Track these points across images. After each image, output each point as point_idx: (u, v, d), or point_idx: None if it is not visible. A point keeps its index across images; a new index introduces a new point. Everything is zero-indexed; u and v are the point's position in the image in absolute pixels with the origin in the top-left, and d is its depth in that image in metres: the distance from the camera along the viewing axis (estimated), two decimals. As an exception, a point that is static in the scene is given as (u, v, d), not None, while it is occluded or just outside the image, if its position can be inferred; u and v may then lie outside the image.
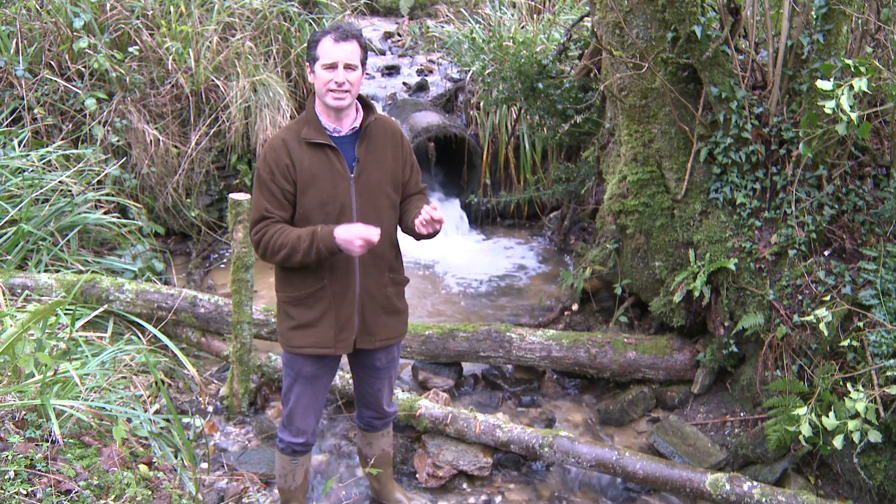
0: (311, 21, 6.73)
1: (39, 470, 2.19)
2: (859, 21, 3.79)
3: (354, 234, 2.52)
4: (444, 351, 4.23)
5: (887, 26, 3.85)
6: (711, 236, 3.98)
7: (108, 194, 5.17)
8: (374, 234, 2.53)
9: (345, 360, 3.06)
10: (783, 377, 3.62)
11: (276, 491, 3.28)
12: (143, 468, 2.43)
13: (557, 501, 3.59)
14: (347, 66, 2.60)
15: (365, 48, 2.68)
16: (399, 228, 2.89)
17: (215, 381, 4.37)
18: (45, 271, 4.39)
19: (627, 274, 4.55)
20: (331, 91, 2.61)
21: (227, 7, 6.23)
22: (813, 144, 3.50)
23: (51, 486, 2.13)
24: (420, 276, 5.89)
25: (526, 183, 6.80)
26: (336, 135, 2.71)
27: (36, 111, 5.38)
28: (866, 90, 2.91)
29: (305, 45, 6.44)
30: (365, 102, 2.78)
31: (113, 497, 2.20)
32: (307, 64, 2.69)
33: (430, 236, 2.73)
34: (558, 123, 5.38)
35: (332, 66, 2.59)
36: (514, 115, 6.64)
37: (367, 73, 2.84)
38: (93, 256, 4.82)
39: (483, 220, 6.95)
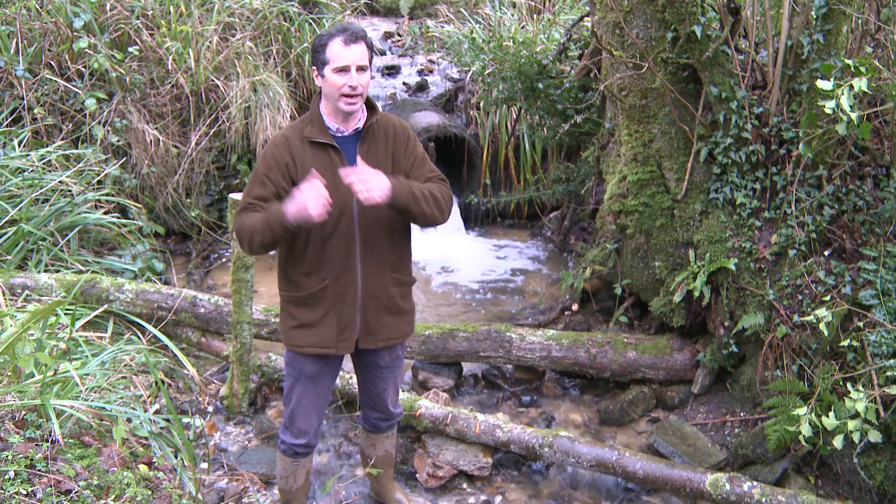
0: (311, 21, 6.74)
1: (39, 470, 2.19)
2: (859, 21, 3.79)
3: (302, 200, 2.45)
4: (444, 351, 4.23)
5: (887, 26, 3.85)
6: (711, 236, 3.98)
7: (108, 194, 5.17)
8: (318, 185, 2.46)
9: (348, 360, 3.06)
10: (783, 377, 3.62)
11: (276, 491, 3.28)
12: (143, 468, 2.43)
13: (557, 501, 3.59)
14: (359, 69, 2.57)
15: (372, 48, 2.66)
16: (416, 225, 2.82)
17: (215, 381, 4.37)
18: (45, 271, 4.39)
19: (627, 274, 4.55)
20: (344, 96, 2.58)
21: (227, 7, 6.23)
22: (813, 144, 3.50)
23: (51, 486, 2.13)
24: (420, 275, 5.89)
25: (526, 183, 6.80)
26: (339, 135, 2.70)
27: (36, 111, 5.38)
28: (866, 90, 2.91)
29: (305, 45, 6.50)
30: (369, 103, 2.76)
31: (113, 497, 2.20)
32: (313, 67, 2.65)
33: (418, 214, 2.64)
34: (558, 123, 5.38)
35: (345, 70, 2.56)
36: (514, 115, 6.64)
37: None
38: (93, 256, 4.82)
39: (483, 220, 6.95)
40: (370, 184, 2.49)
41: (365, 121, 2.73)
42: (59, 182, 4.78)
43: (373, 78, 8.10)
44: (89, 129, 5.51)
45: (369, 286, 2.76)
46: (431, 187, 2.72)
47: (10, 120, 5.39)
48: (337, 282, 2.72)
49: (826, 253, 3.70)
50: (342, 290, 2.73)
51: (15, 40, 5.49)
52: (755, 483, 3.24)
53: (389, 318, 2.84)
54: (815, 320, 3.26)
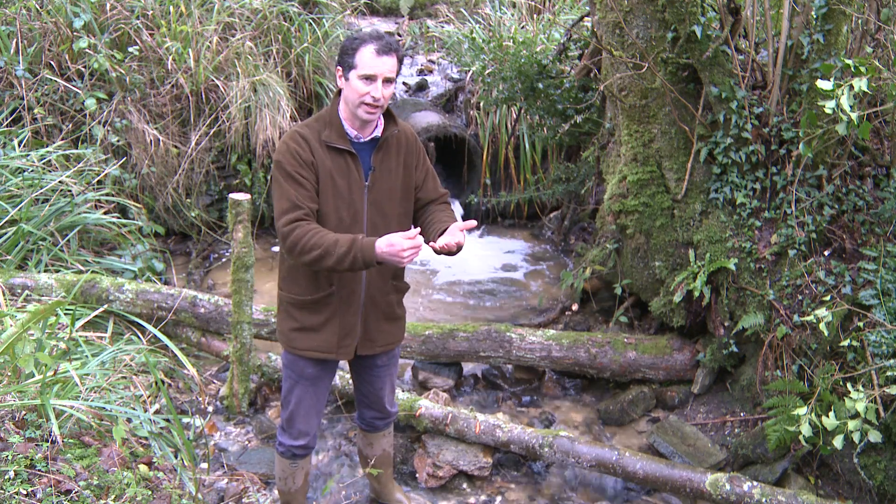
0: (311, 21, 6.74)
1: (39, 470, 2.19)
2: (859, 21, 3.79)
3: (399, 246, 2.42)
4: (444, 351, 4.23)
5: (887, 26, 3.85)
6: (711, 236, 3.98)
7: (108, 194, 5.17)
8: (420, 240, 2.44)
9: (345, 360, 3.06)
10: (783, 377, 3.62)
11: (275, 491, 3.28)
12: (143, 468, 2.43)
13: (557, 501, 3.59)
14: (386, 81, 2.54)
15: (402, 61, 2.62)
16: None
17: (215, 381, 4.37)
18: (45, 271, 4.39)
19: (627, 274, 4.55)
20: (365, 104, 2.54)
21: (227, 7, 6.23)
22: (813, 144, 3.50)
23: (51, 486, 2.13)
24: (420, 276, 5.89)
25: (526, 183, 6.81)
26: (356, 141, 2.68)
27: (36, 111, 5.38)
28: (866, 90, 2.91)
29: (306, 45, 6.50)
30: (387, 111, 2.73)
31: (113, 497, 2.20)
32: (338, 67, 2.60)
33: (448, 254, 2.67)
34: (558, 123, 5.38)
35: (371, 79, 2.52)
36: (514, 115, 6.64)
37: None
38: (93, 256, 4.82)
39: (483, 220, 6.95)
40: (455, 242, 2.53)
41: (383, 129, 2.71)
42: (59, 182, 4.78)
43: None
44: (89, 129, 5.51)
45: (372, 293, 2.77)
46: (450, 215, 2.78)
47: (10, 120, 5.39)
48: (343, 288, 2.71)
49: (826, 253, 3.70)
50: (347, 297, 2.73)
51: (15, 40, 5.49)
52: (755, 483, 3.24)
53: (387, 324, 2.86)
54: (815, 320, 3.26)
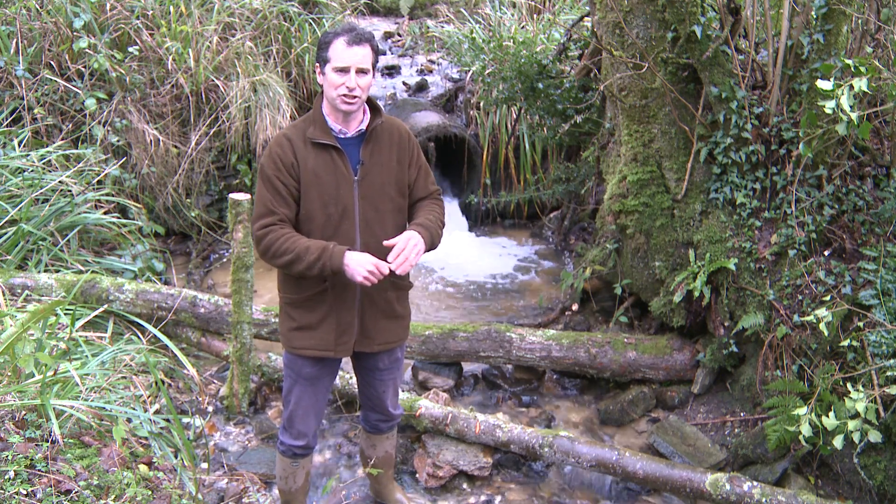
0: (311, 21, 6.74)
1: (39, 470, 2.19)
2: (859, 21, 3.79)
3: (363, 265, 2.52)
4: (444, 351, 4.23)
5: (887, 26, 3.85)
6: (711, 236, 3.98)
7: (108, 194, 5.17)
8: (384, 268, 2.53)
9: (347, 361, 3.06)
10: (783, 377, 3.62)
11: (275, 491, 3.28)
12: (143, 468, 2.43)
13: (557, 501, 3.59)
14: (360, 71, 2.57)
15: (377, 51, 2.65)
16: None
17: (215, 381, 4.37)
18: (45, 271, 4.39)
19: (627, 274, 4.55)
20: (341, 96, 2.58)
21: (227, 7, 6.23)
22: (813, 144, 3.50)
23: (51, 486, 2.13)
24: (420, 276, 5.89)
25: (526, 183, 6.81)
26: (342, 136, 2.69)
27: (36, 111, 5.38)
28: (866, 90, 2.91)
29: (306, 45, 6.51)
30: (372, 104, 2.75)
31: (113, 497, 2.20)
32: (316, 64, 2.65)
33: (431, 249, 2.75)
34: (558, 123, 5.38)
35: (344, 71, 2.56)
36: (514, 115, 6.64)
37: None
38: (93, 256, 4.82)
39: (483, 220, 6.95)
40: (409, 255, 2.56)
41: (368, 123, 2.72)
42: (59, 182, 4.78)
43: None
44: (89, 129, 5.51)
45: (368, 290, 2.75)
46: (437, 213, 2.79)
47: (10, 120, 5.39)
48: (337, 284, 2.71)
49: (826, 253, 3.70)
50: (341, 293, 2.73)
51: (15, 40, 5.49)
52: (755, 483, 3.24)
53: (386, 322, 2.84)
54: (815, 320, 3.26)
